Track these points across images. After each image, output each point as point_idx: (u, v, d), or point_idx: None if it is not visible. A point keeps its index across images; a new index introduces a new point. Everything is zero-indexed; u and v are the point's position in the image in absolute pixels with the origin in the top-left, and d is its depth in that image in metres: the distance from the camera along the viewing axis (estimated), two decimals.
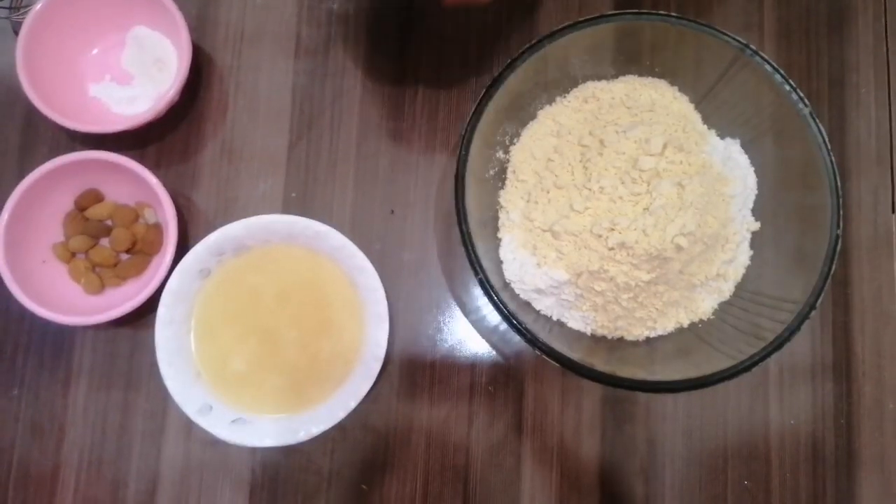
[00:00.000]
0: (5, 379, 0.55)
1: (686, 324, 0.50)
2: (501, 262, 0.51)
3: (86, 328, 0.55)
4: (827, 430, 0.54)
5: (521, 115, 0.52)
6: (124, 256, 0.55)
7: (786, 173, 0.49)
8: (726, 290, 0.51)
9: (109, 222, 0.55)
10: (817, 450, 0.54)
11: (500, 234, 0.51)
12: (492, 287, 0.45)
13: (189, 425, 0.53)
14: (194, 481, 0.53)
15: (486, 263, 0.46)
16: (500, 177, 0.52)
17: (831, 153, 0.45)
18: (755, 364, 0.44)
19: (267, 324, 0.51)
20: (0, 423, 0.54)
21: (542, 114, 0.52)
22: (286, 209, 0.56)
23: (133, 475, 0.53)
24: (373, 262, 0.50)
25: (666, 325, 0.50)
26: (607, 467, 0.53)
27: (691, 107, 0.51)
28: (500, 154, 0.52)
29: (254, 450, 0.53)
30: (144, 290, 0.51)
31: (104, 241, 0.55)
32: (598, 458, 0.53)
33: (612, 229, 0.46)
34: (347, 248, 0.50)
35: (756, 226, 0.51)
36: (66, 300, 0.53)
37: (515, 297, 0.50)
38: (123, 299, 0.51)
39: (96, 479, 0.53)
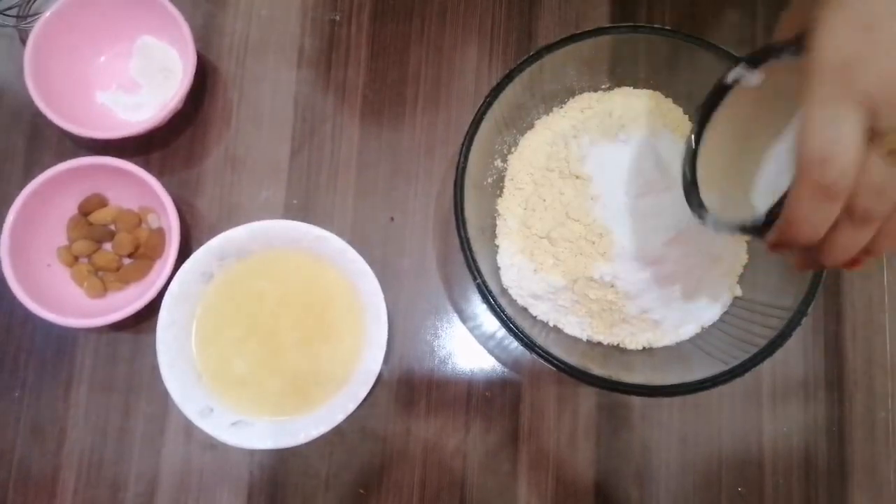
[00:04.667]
0: (8, 380, 0.55)
1: (687, 337, 0.51)
2: (499, 267, 0.52)
3: (88, 331, 0.55)
4: (819, 437, 0.55)
5: (520, 124, 0.53)
6: (127, 261, 0.56)
7: None
8: (724, 300, 0.51)
9: (113, 227, 0.56)
10: (810, 457, 0.54)
11: (497, 241, 0.52)
12: (490, 292, 0.46)
13: (189, 428, 0.54)
14: (193, 484, 0.54)
15: (484, 269, 0.47)
16: (499, 185, 0.53)
17: None
18: (748, 369, 0.44)
19: (268, 327, 0.52)
20: (2, 424, 0.55)
21: (539, 123, 0.54)
22: (288, 216, 0.57)
23: (133, 477, 0.54)
24: (372, 268, 0.51)
25: (662, 339, 0.51)
26: (602, 473, 0.54)
27: (685, 118, 0.53)
28: (499, 162, 0.53)
29: (252, 453, 0.54)
30: (146, 293, 0.51)
31: (107, 246, 0.56)
32: (593, 463, 0.54)
33: (602, 235, 0.47)
34: (348, 252, 0.51)
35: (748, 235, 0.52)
36: (69, 303, 0.53)
37: (513, 302, 0.51)
38: (126, 303, 0.52)
39: (96, 481, 0.54)
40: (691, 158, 0.42)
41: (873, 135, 0.30)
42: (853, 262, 0.34)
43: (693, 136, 0.42)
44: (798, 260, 0.36)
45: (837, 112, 0.30)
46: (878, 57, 0.29)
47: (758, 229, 0.36)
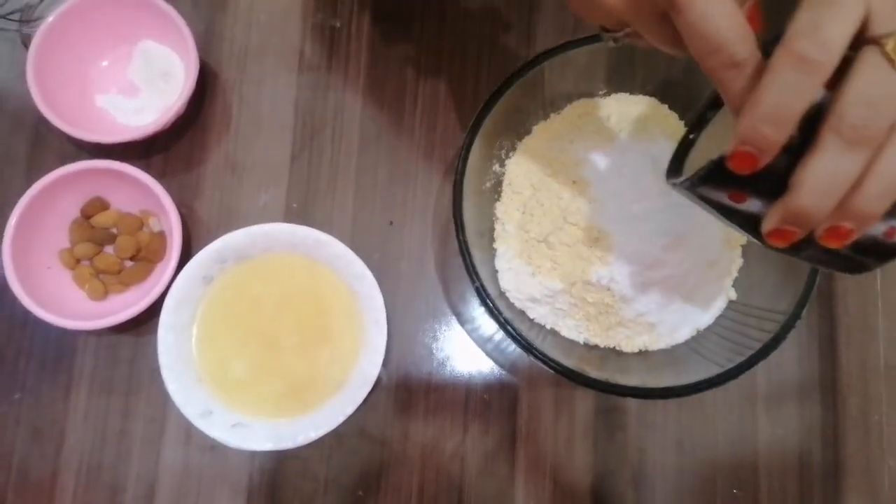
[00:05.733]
0: (7, 383, 0.55)
1: (683, 340, 0.52)
2: (497, 271, 0.52)
3: (88, 333, 0.56)
4: (814, 440, 0.55)
5: (518, 129, 0.54)
6: (128, 263, 0.56)
7: None
8: (719, 304, 0.52)
9: (114, 230, 0.56)
10: (805, 460, 0.55)
11: (495, 245, 0.53)
12: (488, 295, 0.46)
13: (188, 430, 0.54)
14: (192, 486, 0.54)
15: (482, 273, 0.48)
16: (497, 189, 0.54)
17: None
18: (743, 372, 0.45)
19: (267, 330, 0.52)
20: (1, 426, 0.55)
21: (537, 129, 0.54)
22: (287, 220, 0.57)
23: (132, 480, 0.54)
24: (371, 271, 0.51)
25: (657, 342, 0.51)
26: (599, 476, 0.54)
27: (681, 124, 0.53)
28: (497, 167, 0.54)
29: (252, 455, 0.54)
30: (147, 296, 0.52)
31: (109, 249, 0.56)
32: (590, 466, 0.54)
33: (599, 239, 0.47)
34: (347, 256, 0.51)
35: (743, 239, 0.52)
36: (69, 306, 0.54)
37: (510, 305, 0.51)
38: (126, 305, 0.52)
39: (95, 483, 0.54)
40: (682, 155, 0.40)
41: (869, 40, 0.28)
42: (834, 233, 0.30)
43: (688, 138, 0.40)
44: (776, 216, 0.31)
45: None
46: None
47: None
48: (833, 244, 0.30)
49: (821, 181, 0.28)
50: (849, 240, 0.30)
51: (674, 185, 0.35)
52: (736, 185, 0.31)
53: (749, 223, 0.33)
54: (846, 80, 0.28)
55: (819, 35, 0.27)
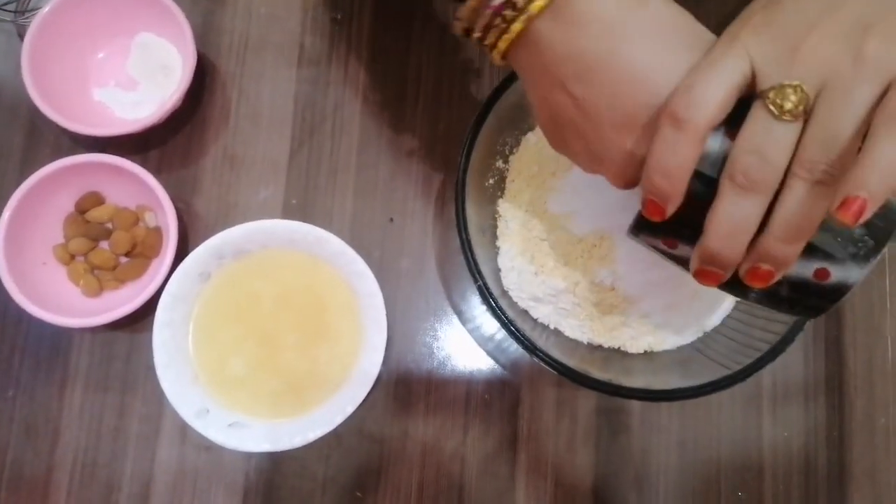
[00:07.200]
0: (1, 380, 0.54)
1: (688, 341, 0.51)
2: (499, 270, 0.51)
3: (83, 330, 0.55)
4: (819, 443, 0.54)
5: (521, 125, 0.53)
6: (123, 259, 0.55)
7: None
8: (726, 304, 0.51)
9: (109, 225, 0.55)
10: (810, 462, 0.54)
11: (498, 243, 0.52)
12: (491, 294, 0.46)
13: (184, 429, 0.53)
14: (188, 486, 0.53)
15: (485, 271, 0.47)
16: (499, 185, 0.53)
17: None
18: (750, 374, 0.44)
19: (265, 328, 0.51)
20: None
21: None
22: (286, 216, 0.56)
23: (127, 479, 0.53)
24: (371, 269, 0.50)
25: (663, 343, 0.51)
26: (601, 477, 0.53)
27: None
28: (500, 163, 0.53)
29: (248, 455, 0.53)
30: (143, 293, 0.51)
31: (104, 244, 0.55)
32: (592, 467, 0.54)
33: (604, 238, 0.47)
34: (347, 253, 0.50)
35: None
36: (64, 302, 0.53)
37: (513, 304, 0.51)
38: (122, 302, 0.51)
39: (90, 481, 0.53)
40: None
41: (757, 94, 0.30)
42: (755, 274, 0.31)
43: None
44: (695, 258, 0.33)
45: (717, 57, 0.30)
46: (770, 24, 0.30)
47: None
48: (757, 284, 0.32)
49: (723, 225, 0.30)
50: (771, 280, 0.31)
51: (628, 236, 0.37)
52: (666, 234, 0.34)
53: (685, 265, 0.35)
54: (739, 132, 0.30)
55: (689, 96, 0.30)
